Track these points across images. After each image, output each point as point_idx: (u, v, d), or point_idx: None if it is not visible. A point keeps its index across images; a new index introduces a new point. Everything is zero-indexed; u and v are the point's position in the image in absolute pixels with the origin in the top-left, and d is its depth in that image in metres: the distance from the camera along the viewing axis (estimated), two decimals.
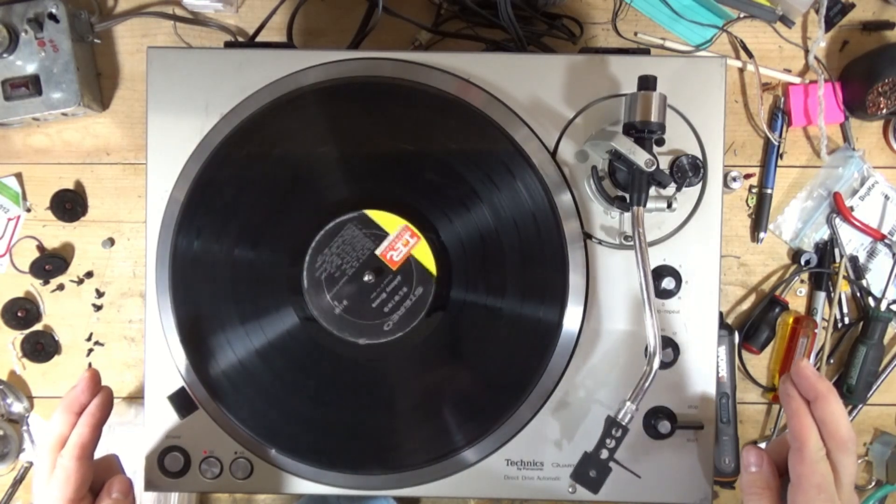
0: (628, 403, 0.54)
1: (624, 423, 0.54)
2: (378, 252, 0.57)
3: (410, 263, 0.57)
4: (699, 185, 0.60)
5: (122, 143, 0.76)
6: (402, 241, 0.57)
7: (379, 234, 0.57)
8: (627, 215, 0.59)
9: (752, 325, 0.76)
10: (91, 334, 0.77)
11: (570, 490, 0.58)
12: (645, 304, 0.54)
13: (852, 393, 0.75)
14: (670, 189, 0.59)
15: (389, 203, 0.58)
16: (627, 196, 0.56)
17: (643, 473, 0.60)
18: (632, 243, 0.60)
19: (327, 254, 0.57)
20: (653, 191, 0.57)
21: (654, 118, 0.54)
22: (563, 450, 0.60)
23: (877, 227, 0.76)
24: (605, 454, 0.54)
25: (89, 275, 0.77)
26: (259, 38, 0.73)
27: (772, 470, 0.54)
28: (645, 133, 0.54)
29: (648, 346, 0.53)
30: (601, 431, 0.54)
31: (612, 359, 0.60)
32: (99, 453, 0.56)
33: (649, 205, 0.58)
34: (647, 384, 0.54)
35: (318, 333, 0.58)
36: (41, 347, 0.76)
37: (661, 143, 0.57)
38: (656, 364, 0.53)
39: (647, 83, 0.54)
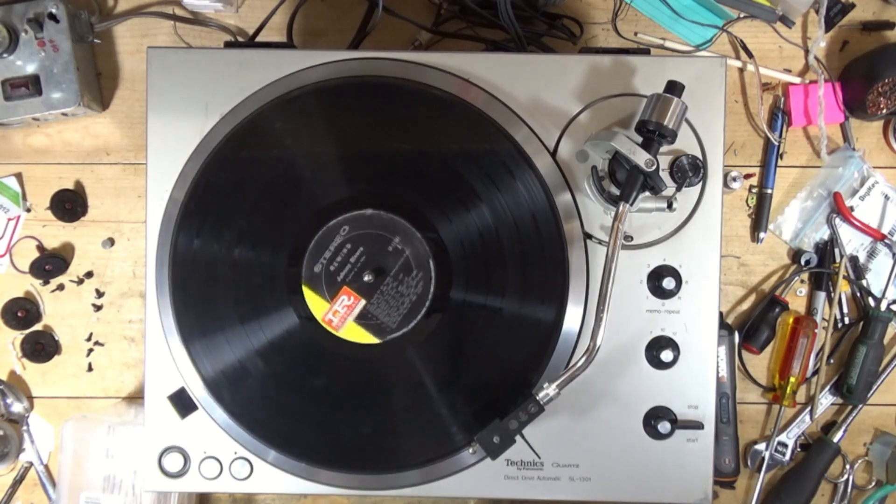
0: (552, 386, 0.55)
1: (542, 403, 0.55)
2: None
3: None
4: (699, 185, 0.60)
5: (122, 143, 0.76)
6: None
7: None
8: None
9: (752, 325, 0.75)
10: (91, 334, 0.77)
11: (471, 451, 0.59)
12: (601, 300, 0.54)
13: (852, 393, 0.75)
14: (670, 189, 0.59)
15: (389, 203, 0.58)
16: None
17: (643, 473, 0.60)
18: (632, 243, 0.60)
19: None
20: None
21: (668, 123, 0.54)
22: (563, 450, 0.60)
23: (877, 227, 0.76)
24: (514, 425, 0.55)
25: (89, 275, 0.77)
26: (259, 38, 0.73)
27: None
28: (655, 135, 0.54)
29: (594, 341, 0.54)
30: (520, 404, 0.55)
31: (612, 359, 0.60)
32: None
33: (649, 204, 0.58)
34: (575, 374, 0.54)
35: (318, 333, 0.58)
36: (41, 347, 0.76)
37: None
38: (593, 359, 0.54)
39: (673, 88, 0.55)
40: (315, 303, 0.57)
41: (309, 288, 0.57)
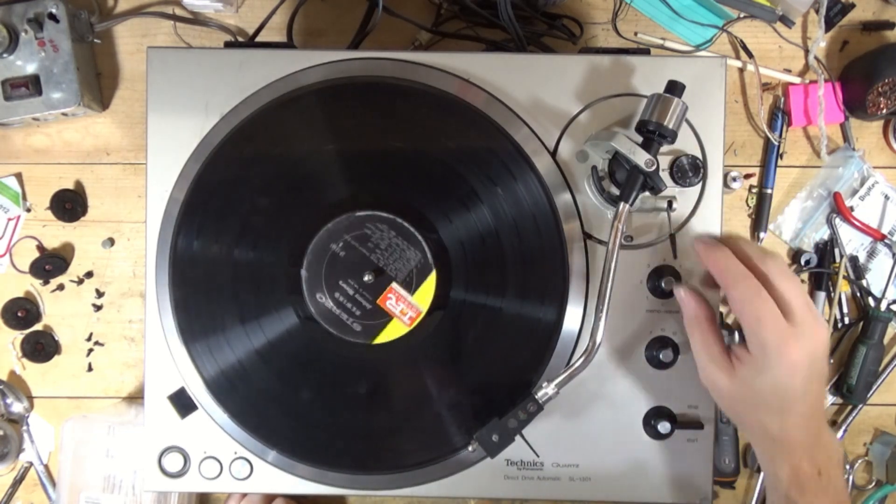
0: (551, 385, 0.55)
1: (541, 402, 0.55)
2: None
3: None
4: (699, 185, 0.60)
5: (122, 143, 0.76)
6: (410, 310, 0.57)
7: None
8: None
9: None
10: (91, 334, 0.77)
11: (471, 449, 0.58)
12: (600, 300, 0.54)
13: (852, 393, 0.75)
14: (670, 189, 0.59)
15: (389, 203, 0.58)
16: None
17: (643, 473, 0.60)
18: (632, 243, 0.60)
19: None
20: None
21: (668, 123, 0.54)
22: (563, 450, 0.60)
23: (877, 227, 0.76)
24: (513, 423, 0.55)
25: (89, 275, 0.77)
26: (259, 38, 0.72)
27: (704, 302, 0.57)
28: (655, 135, 0.54)
29: (593, 340, 0.54)
30: (519, 403, 0.56)
31: (612, 358, 0.60)
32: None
33: (650, 204, 0.58)
34: (575, 374, 0.55)
35: (318, 333, 0.58)
36: (41, 347, 0.76)
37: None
38: (592, 358, 0.54)
39: (673, 88, 0.55)
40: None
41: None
